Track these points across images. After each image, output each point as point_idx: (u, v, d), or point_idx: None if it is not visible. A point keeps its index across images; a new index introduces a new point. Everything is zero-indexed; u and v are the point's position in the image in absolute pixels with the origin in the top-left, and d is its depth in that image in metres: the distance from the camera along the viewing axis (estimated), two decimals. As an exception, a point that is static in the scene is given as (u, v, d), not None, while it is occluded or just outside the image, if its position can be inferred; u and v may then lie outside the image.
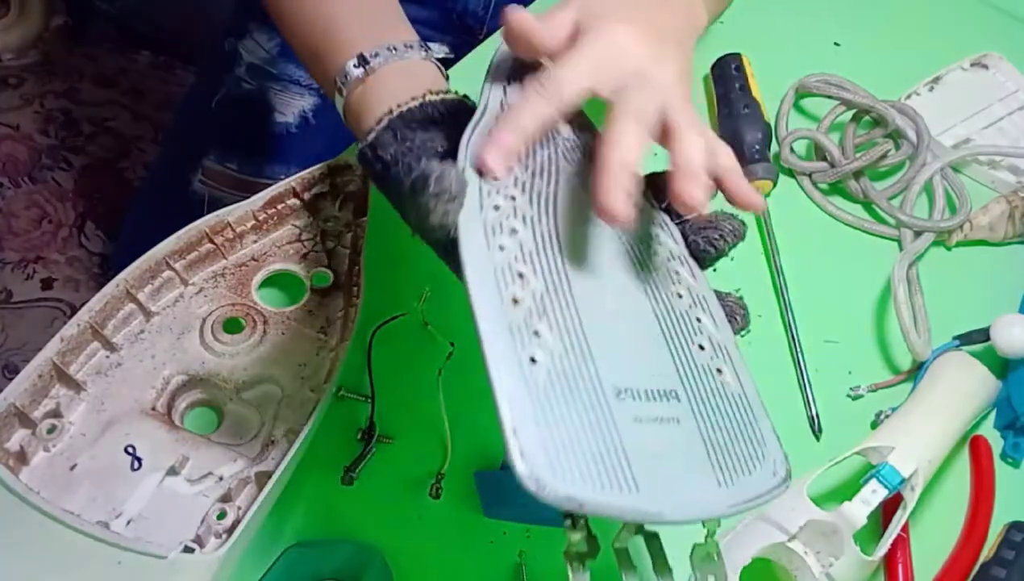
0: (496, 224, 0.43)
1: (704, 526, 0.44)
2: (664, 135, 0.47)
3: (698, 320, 0.47)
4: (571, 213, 0.46)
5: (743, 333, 0.50)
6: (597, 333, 0.42)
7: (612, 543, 0.44)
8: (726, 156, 0.49)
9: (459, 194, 0.42)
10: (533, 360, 0.39)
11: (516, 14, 0.48)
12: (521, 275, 0.41)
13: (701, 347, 0.46)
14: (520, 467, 0.35)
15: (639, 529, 0.44)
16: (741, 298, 0.51)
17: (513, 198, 0.44)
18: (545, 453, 0.36)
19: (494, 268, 0.41)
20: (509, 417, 0.36)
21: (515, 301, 0.40)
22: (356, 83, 0.54)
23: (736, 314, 0.50)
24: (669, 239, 0.50)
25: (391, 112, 0.51)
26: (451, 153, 0.45)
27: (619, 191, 0.43)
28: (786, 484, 0.43)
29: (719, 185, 0.49)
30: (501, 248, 0.42)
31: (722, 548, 0.47)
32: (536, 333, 0.39)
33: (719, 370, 0.46)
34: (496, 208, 0.43)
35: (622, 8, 0.50)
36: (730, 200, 0.49)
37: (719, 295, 0.50)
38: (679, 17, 0.54)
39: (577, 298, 0.42)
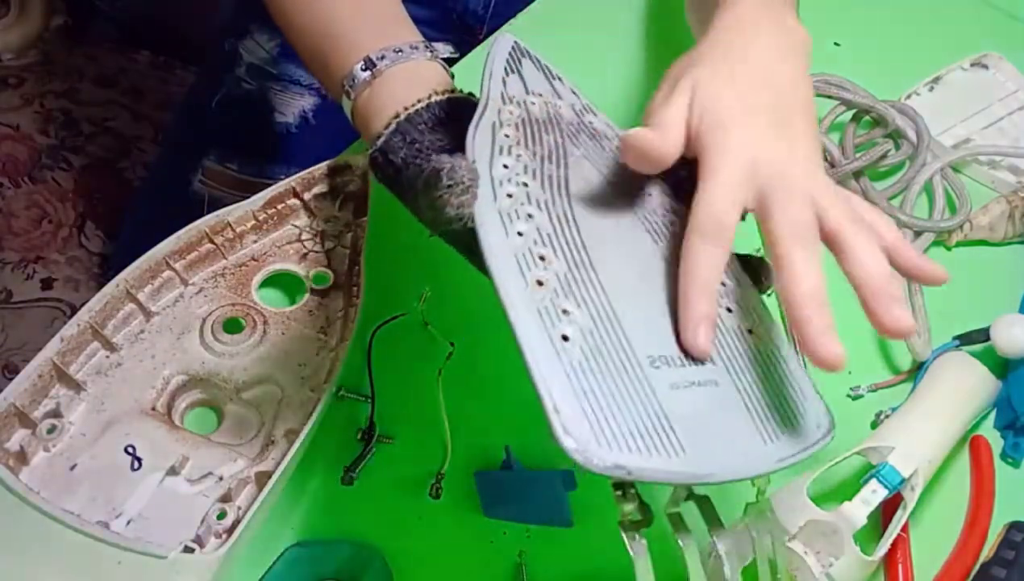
0: (511, 211, 0.43)
1: (754, 484, 0.45)
2: (827, 240, 0.45)
3: (723, 284, 0.48)
4: (584, 193, 0.47)
5: (769, 292, 0.50)
6: (624, 306, 0.42)
7: (665, 509, 0.45)
8: (888, 231, 0.46)
9: (472, 185, 0.42)
10: (565, 338, 0.39)
11: (635, 135, 0.46)
12: (542, 258, 0.42)
13: (728, 310, 0.47)
14: (566, 443, 0.36)
15: (689, 494, 0.45)
16: (763, 257, 0.50)
17: (525, 185, 0.45)
18: (588, 426, 0.37)
19: (515, 254, 0.41)
20: (548, 396, 0.37)
21: (540, 283, 0.41)
22: (363, 86, 0.54)
23: (760, 273, 0.50)
24: (683, 208, 0.50)
25: (398, 116, 0.51)
26: (459, 150, 0.46)
27: (827, 331, 0.42)
28: (831, 435, 0.44)
29: (892, 263, 0.46)
30: (519, 234, 0.42)
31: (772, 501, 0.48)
32: (565, 311, 0.40)
33: (750, 330, 0.47)
34: (509, 196, 0.44)
35: (733, 83, 0.48)
36: (907, 275, 0.47)
37: (741, 257, 0.51)
38: (786, 51, 0.51)
39: (600, 274, 0.43)
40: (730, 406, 0.42)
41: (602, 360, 0.40)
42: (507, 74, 0.51)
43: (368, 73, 0.54)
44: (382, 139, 0.51)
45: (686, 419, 0.40)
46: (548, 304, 0.40)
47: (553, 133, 0.49)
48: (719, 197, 0.44)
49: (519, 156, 0.46)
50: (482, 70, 0.51)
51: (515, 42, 0.54)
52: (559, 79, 0.55)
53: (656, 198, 0.50)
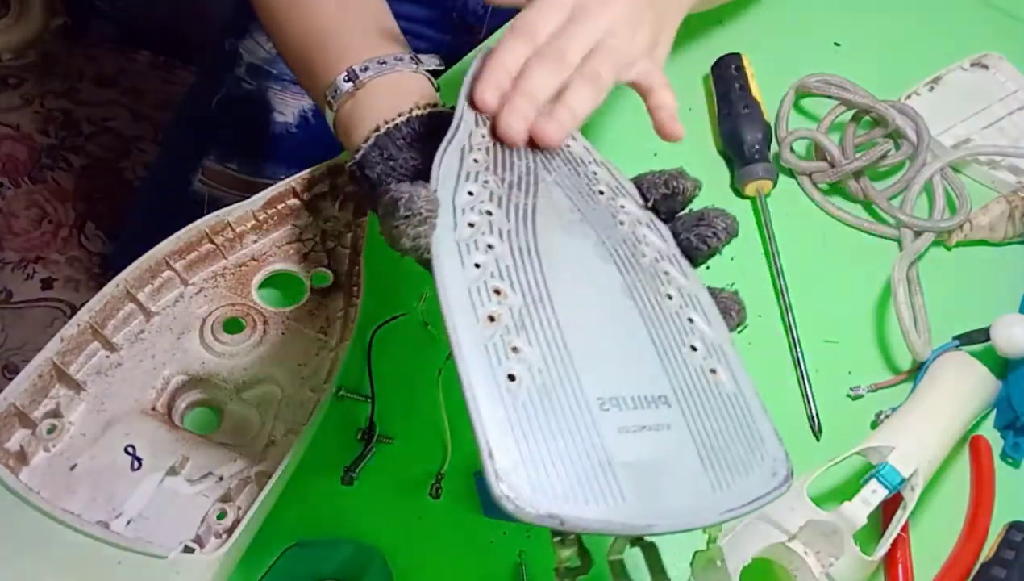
0: (471, 241, 0.42)
1: (705, 532, 0.43)
2: None
3: (690, 320, 0.46)
4: (551, 222, 0.46)
5: (740, 329, 0.50)
6: (580, 344, 0.41)
7: (607, 556, 0.43)
8: (659, 89, 0.52)
9: (430, 216, 0.41)
10: (512, 377, 0.38)
11: None
12: (498, 291, 0.41)
13: (693, 348, 0.45)
14: (498, 488, 0.35)
15: (635, 540, 0.43)
16: (736, 293, 0.50)
17: (489, 213, 0.44)
18: (524, 472, 0.36)
19: (468, 287, 0.40)
20: (484, 439, 0.36)
21: (491, 318, 0.40)
22: (346, 97, 0.54)
23: (731, 310, 0.49)
24: (657, 239, 0.49)
25: (378, 129, 0.51)
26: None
27: (486, 85, 0.48)
28: (787, 484, 0.42)
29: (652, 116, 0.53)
30: (476, 266, 0.41)
31: (723, 550, 0.47)
32: (515, 349, 0.39)
33: (713, 370, 0.45)
34: (471, 225, 0.43)
35: None
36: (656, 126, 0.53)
37: (713, 292, 0.49)
38: None
39: (558, 310, 0.42)
40: (681, 452, 0.41)
41: (548, 401, 0.38)
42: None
43: (350, 85, 0.54)
44: (360, 153, 0.51)
45: (631, 465, 0.38)
46: (497, 341, 0.39)
47: (526, 158, 0.48)
48: (536, 10, 0.51)
49: (486, 182, 0.46)
50: (459, 87, 0.50)
51: None
52: None
53: (627, 227, 0.49)
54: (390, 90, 0.54)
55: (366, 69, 0.54)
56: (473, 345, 0.38)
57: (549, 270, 0.43)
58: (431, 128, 0.51)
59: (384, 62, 0.55)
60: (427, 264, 0.42)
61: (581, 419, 0.39)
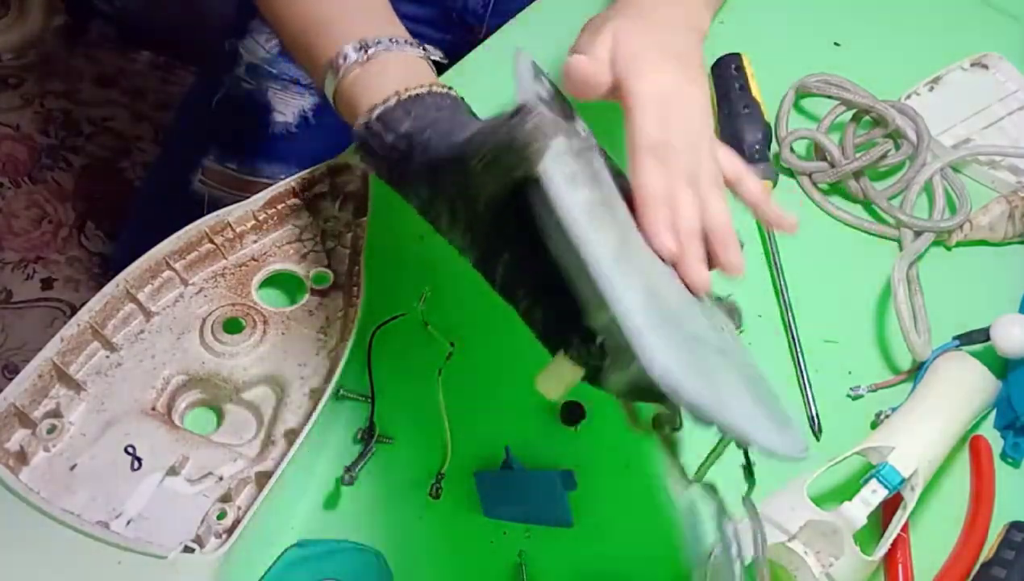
0: (570, 176, 0.44)
1: (747, 481, 0.47)
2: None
3: (712, 307, 0.50)
4: (614, 190, 0.49)
5: (737, 333, 0.53)
6: (664, 287, 0.44)
7: (698, 480, 0.47)
8: (753, 187, 0.55)
9: (554, 133, 0.42)
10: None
11: (577, 60, 0.53)
12: (599, 221, 0.43)
13: (722, 329, 0.49)
14: (655, 366, 0.36)
15: (700, 478, 0.47)
16: (734, 302, 0.53)
17: (573, 162, 0.47)
18: (671, 358, 0.37)
19: (580, 208, 0.42)
20: (635, 323, 0.37)
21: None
22: (354, 65, 0.54)
23: (732, 316, 0.52)
24: None
25: (398, 95, 0.51)
26: None
27: (660, 224, 0.48)
28: (805, 455, 0.46)
29: (753, 213, 0.55)
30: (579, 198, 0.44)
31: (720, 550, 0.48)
32: (624, 273, 0.41)
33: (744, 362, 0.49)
34: (566, 165, 0.45)
35: (648, 34, 0.55)
36: (765, 225, 0.55)
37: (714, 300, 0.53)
38: (692, 31, 0.59)
39: (643, 254, 0.45)
40: (745, 395, 0.44)
41: (663, 316, 0.41)
42: (533, 80, 0.52)
43: (361, 53, 0.54)
44: (379, 110, 0.50)
45: (732, 388, 0.42)
46: (614, 254, 0.41)
47: (577, 140, 0.50)
48: (652, 125, 0.51)
49: (562, 141, 0.47)
50: (515, 73, 0.51)
51: (533, 60, 0.55)
52: (570, 105, 0.56)
53: None
54: (401, 65, 0.54)
55: (378, 43, 0.54)
56: (602, 250, 0.40)
57: (626, 221, 0.46)
58: (452, 107, 0.51)
59: (395, 40, 0.55)
60: (487, 205, 0.45)
61: (689, 340, 0.41)
